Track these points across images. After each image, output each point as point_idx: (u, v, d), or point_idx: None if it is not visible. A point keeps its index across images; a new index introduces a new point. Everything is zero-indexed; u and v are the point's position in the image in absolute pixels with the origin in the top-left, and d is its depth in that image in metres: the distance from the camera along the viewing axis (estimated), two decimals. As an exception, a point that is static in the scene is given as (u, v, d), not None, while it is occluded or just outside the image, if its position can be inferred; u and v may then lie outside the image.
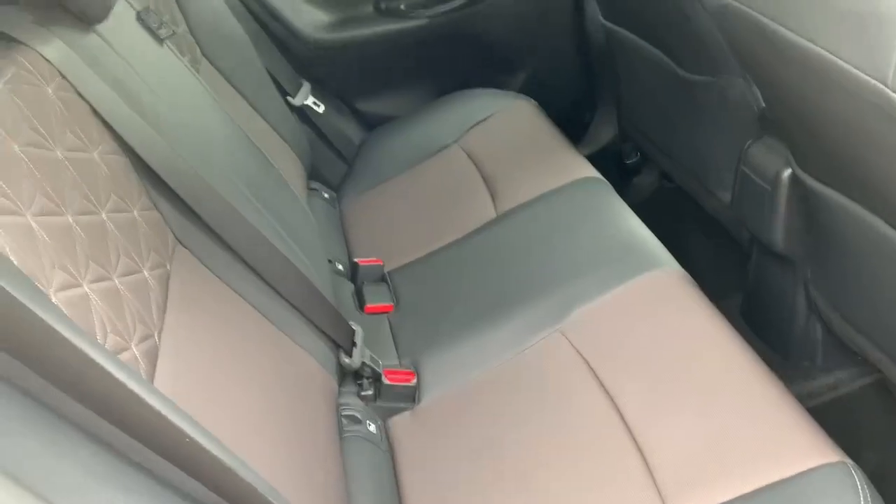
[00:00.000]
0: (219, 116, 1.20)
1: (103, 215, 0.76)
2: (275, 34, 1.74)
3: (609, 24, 1.68)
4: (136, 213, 0.83)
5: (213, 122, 1.17)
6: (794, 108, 1.00)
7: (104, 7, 0.89)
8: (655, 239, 1.27)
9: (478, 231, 1.42)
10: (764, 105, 1.28)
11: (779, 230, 1.26)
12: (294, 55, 1.77)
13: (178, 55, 1.17)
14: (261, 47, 1.63)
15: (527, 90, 1.91)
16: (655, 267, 1.18)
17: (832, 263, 1.18)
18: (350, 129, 1.87)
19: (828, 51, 0.77)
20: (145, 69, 1.00)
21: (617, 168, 2.02)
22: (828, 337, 1.31)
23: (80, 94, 0.81)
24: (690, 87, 1.41)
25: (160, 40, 1.11)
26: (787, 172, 1.21)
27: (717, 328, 1.06)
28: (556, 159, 1.52)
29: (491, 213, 1.45)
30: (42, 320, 0.50)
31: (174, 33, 1.14)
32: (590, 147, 2.03)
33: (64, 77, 0.79)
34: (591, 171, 1.45)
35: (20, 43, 0.77)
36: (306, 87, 1.76)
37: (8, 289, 0.48)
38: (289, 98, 1.71)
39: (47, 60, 0.78)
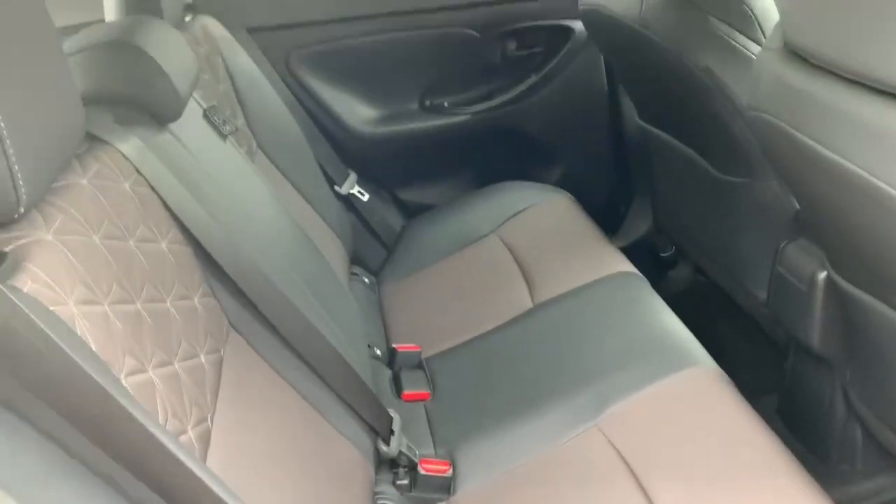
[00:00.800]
0: (273, 206, 1.27)
1: (168, 303, 0.80)
2: (325, 127, 1.84)
3: (644, 124, 1.74)
4: (196, 299, 0.88)
5: (269, 212, 1.23)
6: (828, 216, 1.03)
7: (177, 108, 0.97)
8: (691, 335, 1.28)
9: (514, 321, 1.45)
10: (798, 208, 1.31)
11: (815, 331, 1.26)
12: (343, 147, 1.86)
13: (239, 149, 1.25)
14: (312, 139, 1.72)
15: (563, 183, 1.97)
16: (691, 364, 1.19)
17: (870, 366, 1.18)
18: (391, 217, 1.94)
19: (862, 168, 0.80)
20: (210, 163, 1.07)
21: (652, 261, 2.04)
22: (868, 440, 1.29)
23: (153, 189, 0.87)
24: (724, 187, 1.45)
25: (224, 136, 1.19)
26: (822, 274, 1.22)
27: (754, 428, 1.06)
28: (592, 252, 1.56)
29: (527, 303, 1.48)
30: (118, 403, 0.54)
31: (236, 129, 1.22)
32: (625, 239, 2.07)
33: (140, 173, 0.86)
34: (627, 266, 1.49)
35: (103, 141, 0.84)
36: (353, 176, 1.84)
37: (92, 374, 0.52)
38: (336, 187, 1.79)
39: (126, 157, 0.84)
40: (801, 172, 0.95)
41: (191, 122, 1.11)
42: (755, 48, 1.24)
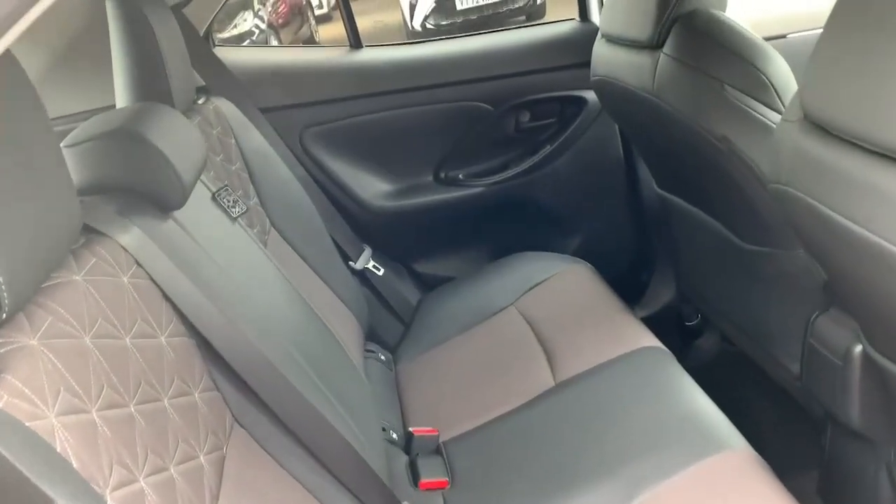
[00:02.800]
0: (283, 290, 1.24)
1: (165, 402, 0.77)
2: (340, 203, 1.83)
3: (663, 193, 1.70)
4: (196, 395, 0.84)
5: (278, 296, 1.21)
6: (857, 288, 0.97)
7: (181, 196, 0.95)
8: (723, 416, 1.22)
9: (536, 401, 1.39)
10: (827, 278, 1.26)
11: (854, 408, 1.19)
12: (357, 222, 1.85)
13: (248, 231, 1.23)
14: (326, 215, 1.71)
15: (582, 252, 1.93)
16: (725, 448, 1.13)
17: (916, 446, 1.11)
18: (407, 291, 1.90)
19: (886, 240, 0.76)
20: (218, 248, 1.05)
21: (677, 330, 1.99)
22: (918, 523, 1.21)
23: (153, 281, 0.84)
24: (749, 256, 1.40)
25: (233, 219, 1.18)
26: (858, 348, 1.16)
27: (794, 517, 0.99)
28: (615, 326, 1.50)
29: (549, 382, 1.43)
30: None
31: (246, 211, 1.21)
32: (648, 308, 2.01)
33: (139, 265, 0.83)
34: (652, 340, 1.43)
35: (102, 234, 0.82)
36: (367, 251, 1.82)
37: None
38: (351, 262, 1.77)
39: (125, 249, 0.82)
40: (827, 244, 0.91)
41: (198, 207, 1.10)
42: (774, 116, 1.21)
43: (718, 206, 1.45)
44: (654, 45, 1.31)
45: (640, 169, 1.92)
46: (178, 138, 0.98)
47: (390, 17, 8.93)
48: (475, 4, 7.81)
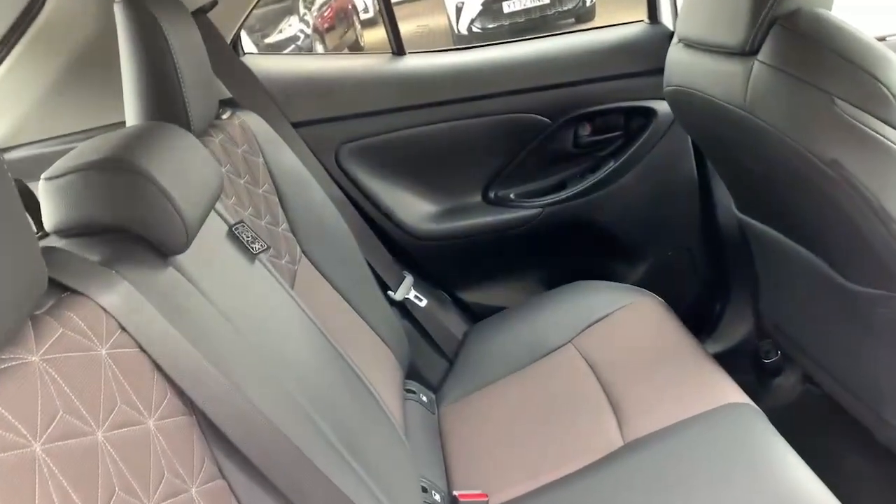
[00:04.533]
0: (310, 340, 1.07)
1: (149, 509, 0.60)
2: (379, 227, 1.67)
3: (744, 217, 1.50)
4: (194, 490, 0.68)
5: (304, 348, 1.04)
6: None
7: (185, 239, 0.79)
8: (828, 493, 1.01)
9: (601, 463, 1.20)
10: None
11: None
12: (397, 247, 1.68)
13: (271, 270, 1.07)
14: (363, 241, 1.54)
15: (648, 281, 1.74)
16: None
17: None
18: (452, 323, 1.72)
19: None
20: (230, 297, 0.89)
21: (753, 368, 1.78)
22: None
23: (142, 349, 0.68)
24: (857, 299, 1.19)
25: (252, 256, 1.01)
26: None
27: None
28: (694, 375, 1.30)
29: (616, 440, 1.23)
30: None
31: (267, 248, 1.04)
32: (722, 343, 1.81)
33: (125, 330, 0.67)
34: (739, 396, 1.23)
35: (75, 292, 0.66)
36: (408, 279, 1.65)
37: None
38: (390, 292, 1.60)
39: (106, 311, 0.66)
40: None
41: (210, 244, 0.94)
42: (896, 136, 1.01)
43: (818, 239, 1.23)
44: (748, 50, 1.11)
45: (716, 188, 1.71)
46: (185, 167, 0.82)
47: (435, 22, 8.78)
48: (523, 7, 7.67)
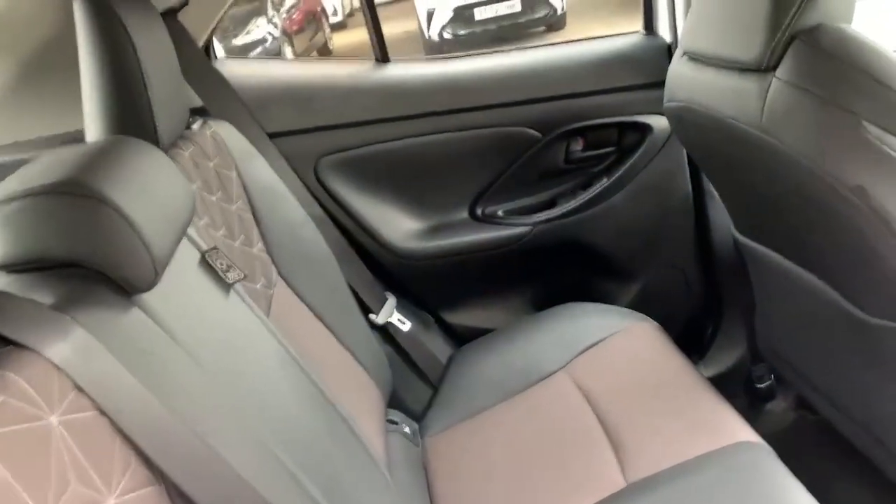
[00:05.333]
0: (286, 374, 0.98)
1: None
2: (360, 245, 1.57)
3: (744, 239, 1.43)
4: (162, 576, 0.57)
5: (279, 384, 0.94)
6: None
7: (152, 275, 0.68)
8: None
9: (603, 506, 1.12)
10: None
11: None
12: (380, 267, 1.59)
13: (247, 300, 0.97)
14: (344, 261, 1.44)
15: (639, 302, 1.67)
16: None
17: None
18: (436, 347, 1.63)
19: None
20: (198, 334, 0.78)
21: (745, 392, 1.72)
22: None
23: (102, 412, 0.58)
24: (869, 330, 1.13)
25: (227, 286, 0.91)
26: None
27: None
28: (699, 409, 1.23)
29: (618, 481, 1.15)
30: None
31: (244, 277, 0.94)
32: (714, 367, 1.75)
33: (81, 390, 0.56)
34: (749, 433, 1.15)
35: (20, 347, 0.55)
36: (391, 301, 1.56)
37: None
38: (371, 315, 1.50)
39: (59, 369, 0.55)
40: None
41: (180, 275, 0.83)
42: (929, 163, 0.94)
43: (831, 266, 1.17)
44: (765, 67, 1.03)
45: (712, 208, 1.64)
46: (153, 191, 0.72)
47: (405, 27, 8.69)
48: (494, 14, 7.67)
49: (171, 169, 0.79)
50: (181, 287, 0.82)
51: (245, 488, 0.67)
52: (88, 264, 0.65)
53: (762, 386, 1.70)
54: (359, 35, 10.24)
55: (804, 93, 1.00)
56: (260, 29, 7.65)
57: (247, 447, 0.72)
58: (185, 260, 0.87)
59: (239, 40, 7.21)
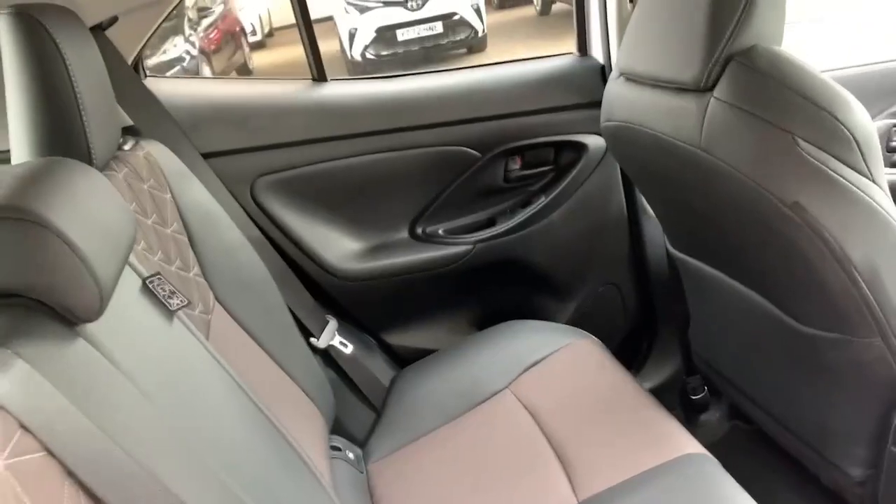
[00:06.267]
0: (231, 400, 0.94)
1: None
2: (299, 267, 1.53)
3: (679, 255, 1.47)
4: None
5: (224, 412, 0.90)
6: None
7: (98, 304, 0.64)
8: None
9: (555, 526, 1.11)
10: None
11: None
12: (320, 289, 1.55)
13: (190, 327, 0.92)
14: (283, 283, 1.40)
15: (578, 319, 1.69)
16: None
17: None
18: (378, 369, 1.60)
19: None
20: (147, 366, 0.74)
21: (681, 404, 1.76)
22: None
23: (50, 453, 0.53)
24: (803, 340, 1.17)
25: (170, 314, 0.86)
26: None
27: None
28: (644, 424, 1.24)
29: (569, 499, 1.15)
30: None
31: (188, 304, 0.90)
32: (650, 380, 1.79)
33: (28, 431, 0.52)
34: (693, 446, 1.17)
35: None
36: (332, 324, 1.52)
37: None
38: (312, 339, 1.46)
39: (2, 408, 0.51)
40: None
41: (122, 303, 0.79)
42: (858, 179, 0.99)
43: (767, 281, 1.21)
44: (703, 87, 1.07)
45: (645, 224, 1.68)
46: (95, 215, 0.68)
47: (324, 48, 8.65)
48: (417, 36, 7.72)
49: (110, 191, 0.75)
50: (124, 316, 0.78)
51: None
52: (30, 294, 0.61)
53: (697, 398, 1.75)
54: (279, 54, 10.12)
55: (741, 112, 1.03)
56: (177, 48, 7.45)
57: (195, 478, 0.68)
58: (127, 287, 0.82)
59: (154, 59, 7.01)
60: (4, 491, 0.48)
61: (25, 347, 0.57)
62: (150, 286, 0.85)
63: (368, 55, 7.80)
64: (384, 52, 7.79)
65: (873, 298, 1.02)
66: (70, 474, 0.55)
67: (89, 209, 0.67)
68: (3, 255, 0.60)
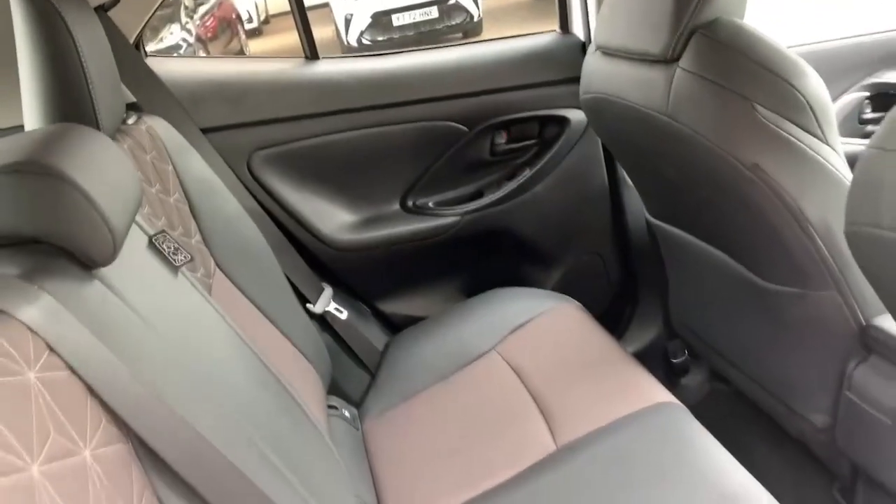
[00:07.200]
0: (234, 350, 1.01)
1: (91, 551, 0.54)
2: (295, 238, 1.61)
3: (657, 222, 1.54)
4: (136, 525, 0.61)
5: (228, 359, 0.98)
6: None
7: (112, 250, 0.72)
8: (766, 493, 1.04)
9: (536, 469, 1.19)
10: (866, 323, 1.11)
11: (904, 470, 1.05)
12: (315, 259, 1.62)
13: (194, 283, 1.00)
14: (280, 252, 1.48)
15: (563, 287, 1.76)
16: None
17: None
18: (373, 334, 1.68)
19: None
20: (154, 311, 0.81)
21: (662, 367, 1.84)
22: None
23: (73, 371, 0.61)
24: (771, 297, 1.25)
25: (175, 269, 0.94)
26: (913, 405, 1.01)
27: None
28: (620, 376, 1.32)
29: (549, 445, 1.23)
30: None
31: (191, 260, 0.97)
32: (632, 345, 1.86)
33: (53, 351, 0.60)
34: (665, 395, 1.25)
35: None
36: (328, 291, 1.60)
37: None
38: (309, 305, 1.54)
39: (31, 331, 0.59)
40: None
41: (131, 257, 0.86)
42: (811, 142, 1.06)
43: (734, 241, 1.28)
44: (669, 58, 1.14)
45: (626, 195, 1.75)
46: (107, 172, 0.75)
47: (320, 35, 8.69)
48: (412, 21, 7.74)
49: (119, 154, 0.83)
50: (133, 267, 0.85)
51: (205, 446, 0.71)
52: (50, 240, 0.68)
53: (677, 361, 1.82)
54: (275, 41, 10.15)
55: (704, 81, 1.11)
56: (174, 35, 7.50)
57: (205, 411, 0.76)
58: (135, 243, 0.90)
59: (151, 47, 7.06)
60: (38, 399, 0.56)
61: (49, 284, 0.64)
62: (156, 243, 0.93)
63: (364, 41, 7.83)
64: (380, 38, 7.82)
65: (828, 253, 1.09)
66: (92, 393, 0.63)
67: (101, 167, 0.75)
68: (26, 206, 0.67)
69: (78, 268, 0.70)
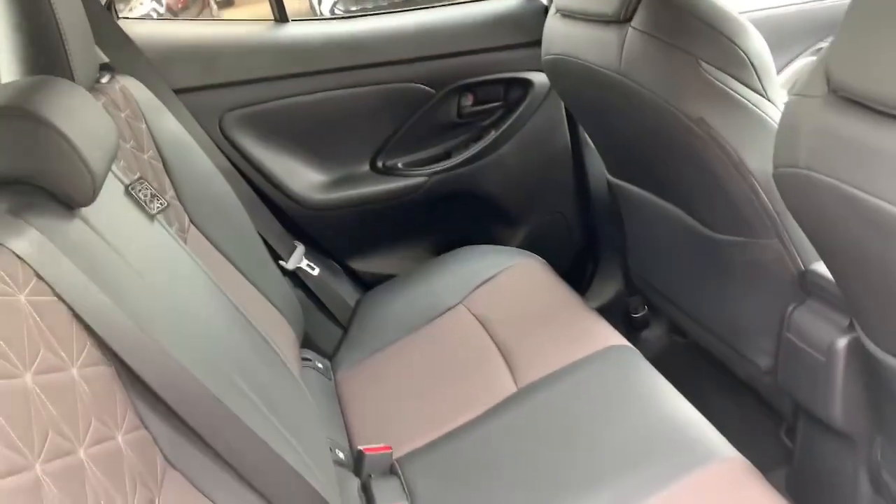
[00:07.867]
0: (213, 297, 1.06)
1: (81, 453, 0.60)
2: (267, 196, 1.65)
3: (616, 181, 1.61)
4: (120, 438, 0.67)
5: (207, 304, 1.03)
6: (867, 276, 0.89)
7: (91, 190, 0.77)
8: (706, 421, 1.13)
9: (498, 409, 1.27)
10: (804, 268, 1.19)
11: (836, 405, 1.13)
12: (287, 217, 1.67)
13: (169, 230, 1.05)
14: (253, 210, 1.52)
15: (528, 244, 1.83)
16: (714, 457, 1.04)
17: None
18: (345, 291, 1.74)
19: None
20: (134, 252, 0.87)
21: (623, 323, 1.91)
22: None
23: (58, 297, 0.66)
24: (718, 247, 1.32)
25: (151, 216, 0.99)
26: (842, 342, 1.10)
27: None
28: (576, 323, 1.40)
29: (510, 387, 1.30)
30: None
31: (167, 207, 1.02)
32: (596, 301, 1.93)
33: (40, 278, 0.65)
34: (618, 339, 1.33)
35: None
36: (300, 249, 1.65)
37: None
38: (281, 262, 1.59)
39: (21, 259, 0.64)
40: (851, 232, 0.82)
41: (110, 202, 0.91)
42: (752, 97, 1.13)
43: (685, 195, 1.36)
44: (622, 18, 1.20)
45: (588, 156, 1.82)
46: (84, 118, 0.80)
47: (293, 7, 8.62)
48: (386, -10, 7.70)
49: (96, 104, 0.87)
50: (112, 213, 0.90)
51: (185, 373, 0.77)
52: (34, 181, 0.73)
53: (637, 316, 1.90)
54: (246, 11, 10.05)
55: (653, 39, 1.17)
56: (144, 5, 7.37)
57: (184, 341, 0.81)
58: (112, 190, 0.94)
59: (122, 15, 6.97)
60: (28, 320, 0.62)
61: (36, 220, 0.69)
62: (132, 191, 0.98)
63: (338, 11, 7.78)
64: (353, 8, 7.77)
65: (769, 202, 1.17)
66: (77, 318, 0.68)
67: (80, 114, 0.80)
68: (10, 148, 0.72)
69: (60, 207, 0.75)
